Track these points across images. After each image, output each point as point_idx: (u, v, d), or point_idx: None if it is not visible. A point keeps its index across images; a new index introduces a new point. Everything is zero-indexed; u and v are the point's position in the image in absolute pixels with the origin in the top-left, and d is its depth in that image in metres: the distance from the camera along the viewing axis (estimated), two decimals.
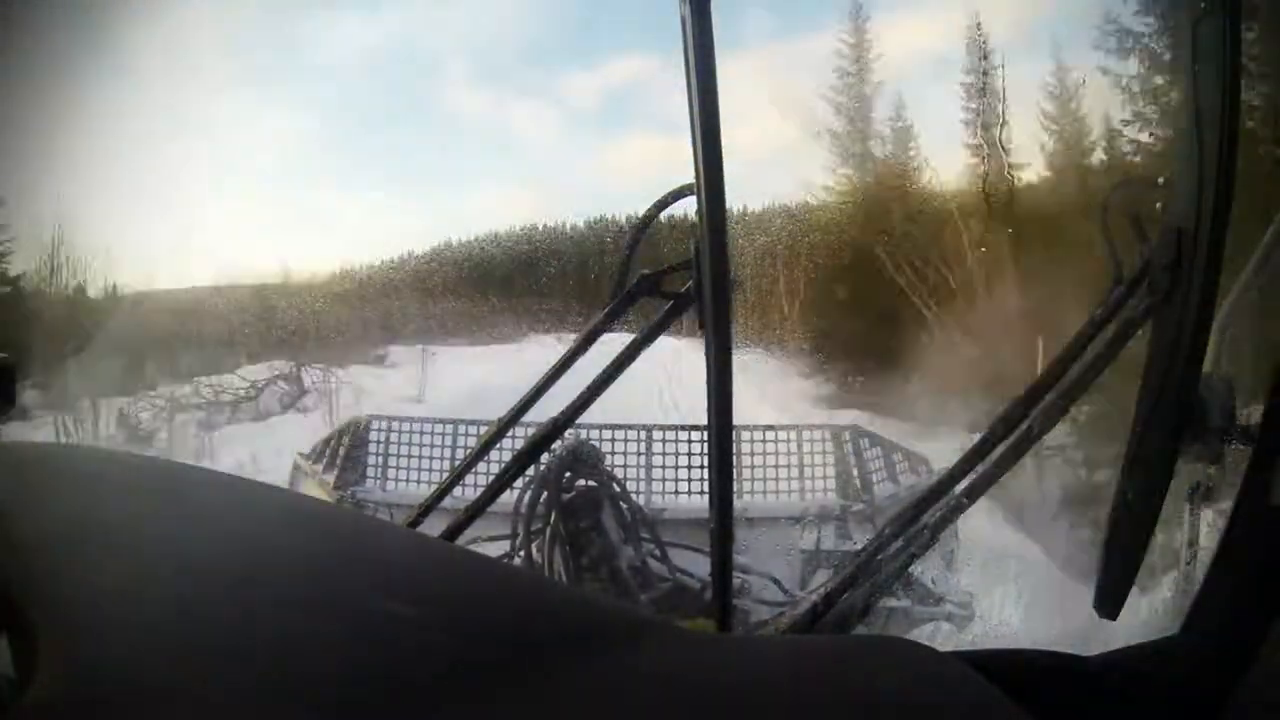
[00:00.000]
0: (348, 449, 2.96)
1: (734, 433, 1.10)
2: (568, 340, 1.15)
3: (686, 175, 0.91)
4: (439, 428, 2.90)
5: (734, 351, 0.95)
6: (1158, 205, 1.01)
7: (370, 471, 2.98)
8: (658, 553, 2.21)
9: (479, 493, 1.23)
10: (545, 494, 2.08)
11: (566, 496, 2.11)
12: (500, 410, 1.24)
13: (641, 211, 1.23)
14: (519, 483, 1.97)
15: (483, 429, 1.31)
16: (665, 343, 1.13)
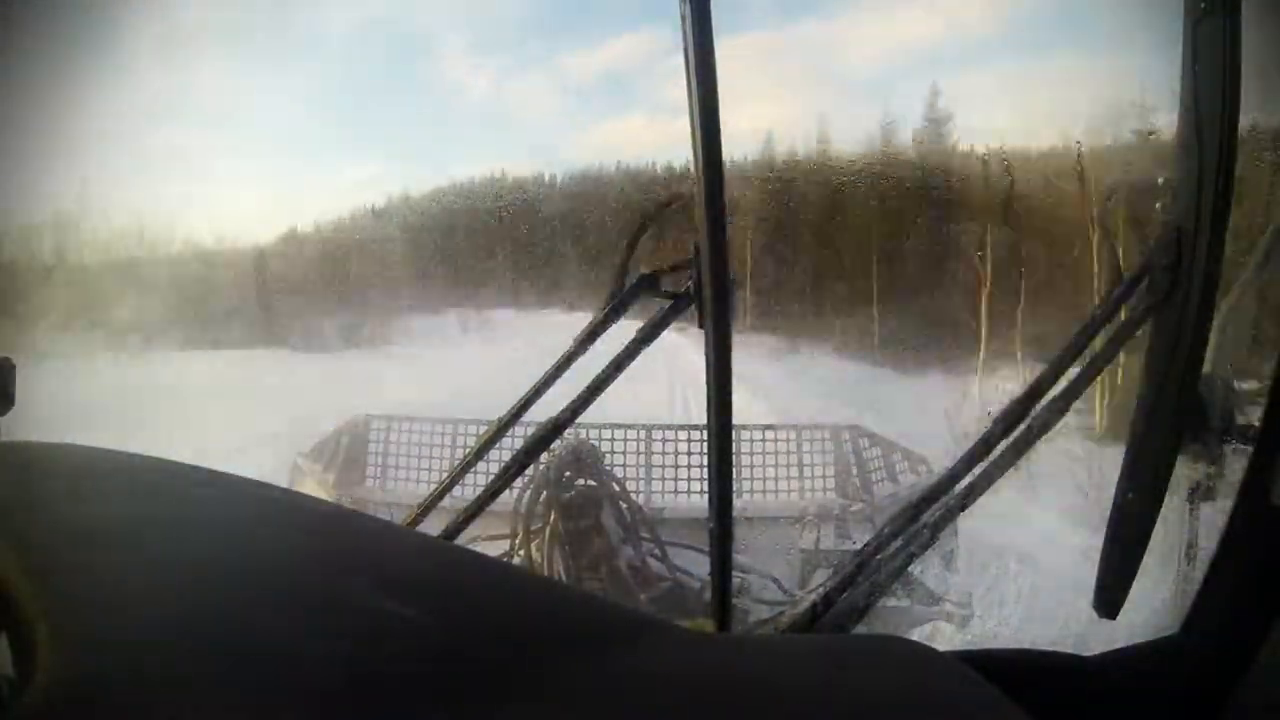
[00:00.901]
0: (347, 449, 2.96)
1: (734, 432, 1.10)
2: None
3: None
4: (439, 427, 2.90)
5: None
6: (1158, 205, 1.01)
7: (370, 471, 2.98)
8: (658, 552, 2.21)
9: (479, 492, 1.23)
10: (545, 494, 2.08)
11: (566, 496, 2.11)
12: None
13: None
14: (519, 482, 1.97)
15: (482, 429, 1.30)
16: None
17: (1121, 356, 1.06)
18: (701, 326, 1.00)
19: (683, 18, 0.89)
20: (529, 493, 2.08)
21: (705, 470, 2.54)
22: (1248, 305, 1.07)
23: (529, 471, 2.04)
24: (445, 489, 1.30)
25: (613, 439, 2.74)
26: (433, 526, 1.27)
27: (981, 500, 1.03)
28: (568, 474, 2.14)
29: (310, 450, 3.16)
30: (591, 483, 2.18)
